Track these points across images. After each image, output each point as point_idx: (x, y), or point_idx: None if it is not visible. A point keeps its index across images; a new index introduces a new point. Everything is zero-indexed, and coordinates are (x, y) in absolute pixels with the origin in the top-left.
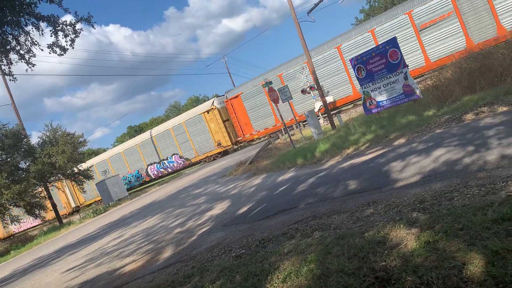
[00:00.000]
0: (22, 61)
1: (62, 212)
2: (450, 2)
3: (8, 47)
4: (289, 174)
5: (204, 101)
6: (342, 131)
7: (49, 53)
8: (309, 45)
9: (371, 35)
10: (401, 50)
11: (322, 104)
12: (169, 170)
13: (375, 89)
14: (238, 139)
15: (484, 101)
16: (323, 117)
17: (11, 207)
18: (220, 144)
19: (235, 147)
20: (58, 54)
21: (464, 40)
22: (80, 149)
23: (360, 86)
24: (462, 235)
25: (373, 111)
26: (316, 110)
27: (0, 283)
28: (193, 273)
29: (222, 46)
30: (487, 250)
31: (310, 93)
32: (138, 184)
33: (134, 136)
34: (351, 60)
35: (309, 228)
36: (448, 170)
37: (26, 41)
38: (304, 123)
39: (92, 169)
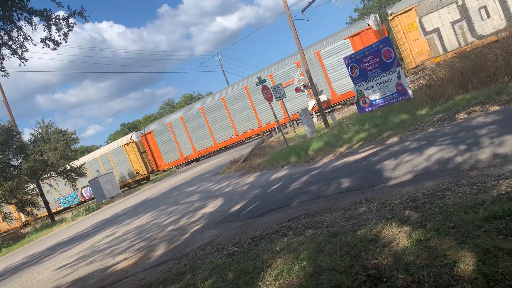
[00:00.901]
0: (14, 56)
1: (13, 226)
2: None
3: (0, 42)
4: (282, 172)
5: (198, 98)
6: (336, 130)
7: (42, 47)
8: (303, 44)
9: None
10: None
11: (315, 102)
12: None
13: (369, 88)
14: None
15: (476, 100)
16: (316, 115)
17: (3, 204)
18: (138, 172)
19: (151, 175)
20: (51, 48)
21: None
22: (72, 146)
23: (354, 84)
24: (453, 233)
25: (367, 109)
26: (309, 108)
27: None
28: (185, 271)
29: (216, 44)
30: (478, 248)
31: (304, 91)
32: (74, 204)
33: (127, 134)
34: (344, 58)
35: (301, 226)
36: (440, 169)
37: (18, 36)
38: (298, 122)
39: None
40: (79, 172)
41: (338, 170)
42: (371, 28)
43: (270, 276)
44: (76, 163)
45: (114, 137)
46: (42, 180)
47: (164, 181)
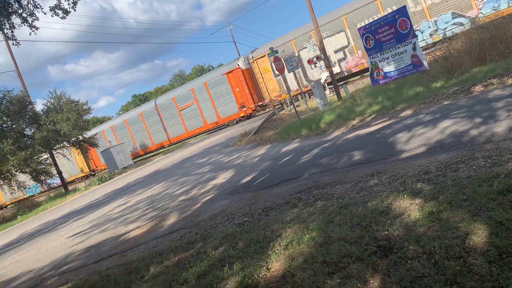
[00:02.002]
0: (25, 25)
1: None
2: (192, 96)
3: (11, 10)
4: (293, 145)
5: (209, 70)
6: (348, 102)
7: (52, 15)
8: (317, 14)
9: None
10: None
11: (328, 74)
12: (55, 185)
13: (383, 60)
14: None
15: (494, 72)
16: (329, 88)
17: (17, 173)
18: (82, 170)
19: (93, 173)
20: (60, 17)
21: (202, 120)
22: (84, 116)
23: (368, 56)
24: (466, 206)
25: (381, 82)
26: (322, 80)
27: (7, 246)
28: (197, 239)
29: (227, 14)
30: (491, 221)
31: (317, 63)
32: (37, 193)
33: (139, 105)
34: (359, 29)
35: (312, 197)
36: (454, 142)
37: (28, 4)
38: (310, 94)
39: None
40: (92, 142)
41: (350, 143)
42: (239, 67)
43: (280, 246)
44: (88, 133)
45: (125, 109)
46: (55, 150)
47: (176, 152)
